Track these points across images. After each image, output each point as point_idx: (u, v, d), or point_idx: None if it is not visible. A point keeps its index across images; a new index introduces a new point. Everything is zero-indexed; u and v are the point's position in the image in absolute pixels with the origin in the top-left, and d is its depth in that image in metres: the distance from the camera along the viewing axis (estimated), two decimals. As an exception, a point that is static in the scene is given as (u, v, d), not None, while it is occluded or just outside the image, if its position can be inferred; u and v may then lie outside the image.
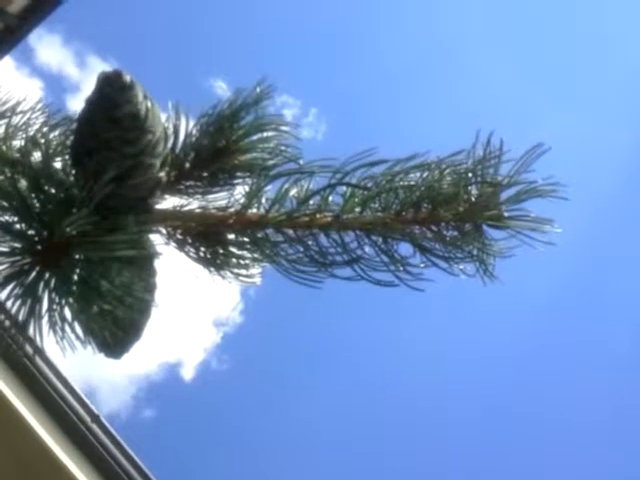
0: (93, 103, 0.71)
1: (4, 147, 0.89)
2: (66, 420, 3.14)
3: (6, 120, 0.89)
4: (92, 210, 0.73)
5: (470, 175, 0.89)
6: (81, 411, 3.21)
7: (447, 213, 0.88)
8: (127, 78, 0.70)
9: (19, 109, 0.91)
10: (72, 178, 0.75)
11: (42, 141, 0.79)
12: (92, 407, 3.26)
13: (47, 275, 0.73)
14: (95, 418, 3.24)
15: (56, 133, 0.90)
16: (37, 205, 0.73)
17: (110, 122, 0.71)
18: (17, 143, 0.88)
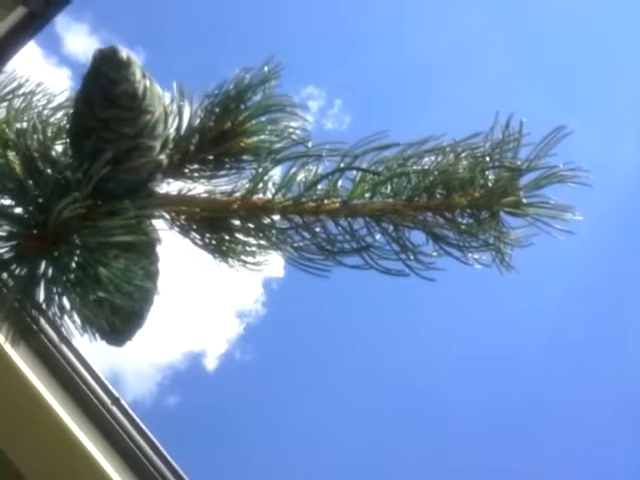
0: (89, 81, 0.69)
1: (7, 130, 0.86)
2: (86, 402, 3.17)
3: (7, 103, 0.87)
4: (89, 193, 0.70)
5: (487, 159, 0.85)
6: (101, 393, 3.24)
7: (462, 199, 0.84)
8: (123, 55, 0.67)
9: (21, 91, 0.89)
10: (70, 160, 0.73)
11: (40, 123, 0.76)
12: (112, 390, 3.28)
13: (44, 261, 0.71)
14: (115, 400, 3.27)
15: (58, 115, 0.88)
16: (33, 188, 0.71)
17: (107, 101, 0.68)
18: (19, 125, 0.85)
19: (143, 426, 3.23)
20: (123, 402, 3.28)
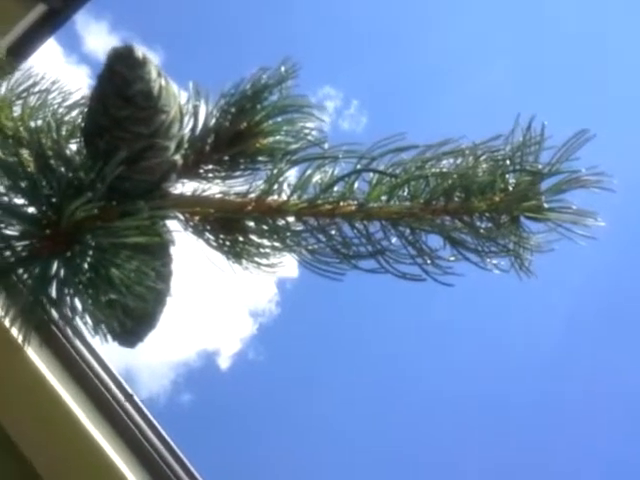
0: (104, 80, 0.68)
1: (21, 128, 0.86)
2: (99, 398, 3.18)
3: (22, 100, 0.86)
4: (103, 193, 0.69)
5: (508, 162, 0.83)
6: (115, 390, 3.26)
7: (481, 203, 0.82)
8: (139, 54, 0.66)
9: (37, 89, 0.88)
10: (83, 159, 0.72)
11: (55, 121, 0.76)
12: (126, 386, 3.30)
13: (56, 262, 0.70)
14: (128, 397, 3.29)
15: (74, 114, 0.87)
16: (46, 187, 0.70)
17: (121, 100, 0.67)
18: (33, 123, 0.85)
19: (156, 423, 3.24)
20: (136, 399, 3.29)
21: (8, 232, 0.68)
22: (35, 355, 2.90)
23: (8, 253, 0.68)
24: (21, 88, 0.87)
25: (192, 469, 3.19)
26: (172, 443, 3.27)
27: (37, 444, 2.93)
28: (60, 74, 0.92)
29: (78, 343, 3.10)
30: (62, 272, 0.70)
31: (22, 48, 3.47)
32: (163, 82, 0.69)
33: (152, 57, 0.68)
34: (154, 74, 0.68)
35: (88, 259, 0.70)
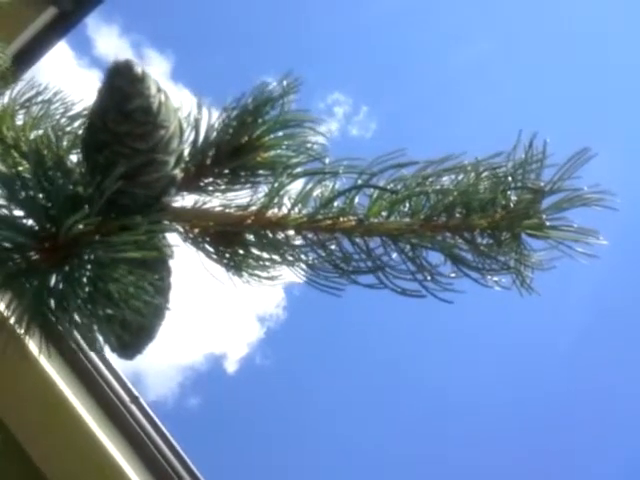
0: (103, 95, 0.68)
1: (23, 138, 0.86)
2: (106, 399, 3.19)
3: (25, 110, 0.87)
4: (102, 207, 0.69)
5: (509, 179, 0.82)
6: (121, 392, 3.27)
7: (482, 220, 0.81)
8: (139, 69, 0.66)
9: (39, 99, 0.88)
10: (83, 172, 0.72)
11: (55, 132, 0.76)
12: (132, 388, 3.31)
13: (54, 275, 0.70)
14: (134, 399, 3.29)
15: (75, 124, 0.88)
16: (45, 199, 0.70)
17: (121, 115, 0.67)
18: (35, 134, 0.85)
19: (161, 425, 3.25)
20: (142, 401, 3.30)
21: (6, 244, 0.68)
22: (42, 358, 2.92)
23: (6, 265, 0.68)
24: (24, 98, 0.88)
25: (195, 471, 3.18)
26: (176, 445, 3.27)
27: (44, 447, 2.94)
28: (64, 83, 0.92)
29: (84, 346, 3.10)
30: (61, 286, 0.70)
31: (33, 51, 3.49)
32: (163, 97, 0.69)
33: (151, 72, 0.68)
34: (154, 89, 0.68)
35: (86, 273, 0.70)
